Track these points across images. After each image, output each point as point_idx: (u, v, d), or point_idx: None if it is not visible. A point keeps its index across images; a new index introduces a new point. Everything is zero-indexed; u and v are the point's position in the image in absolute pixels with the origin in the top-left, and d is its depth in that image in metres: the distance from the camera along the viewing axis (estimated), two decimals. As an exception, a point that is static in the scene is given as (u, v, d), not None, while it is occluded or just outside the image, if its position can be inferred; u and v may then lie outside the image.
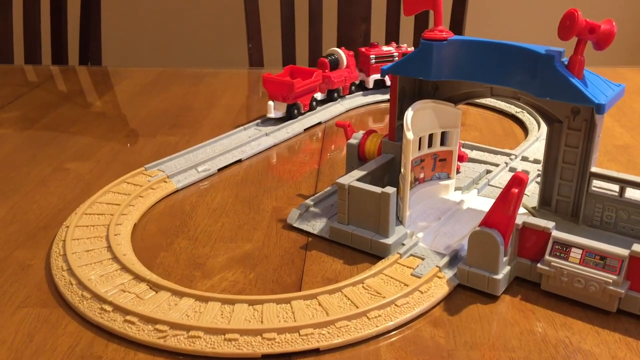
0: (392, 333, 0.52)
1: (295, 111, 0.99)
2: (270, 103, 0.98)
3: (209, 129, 0.98)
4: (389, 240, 0.62)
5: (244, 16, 1.48)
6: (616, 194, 0.62)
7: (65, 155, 0.89)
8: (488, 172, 0.79)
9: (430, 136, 0.68)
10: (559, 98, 0.58)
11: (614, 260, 0.53)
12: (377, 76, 1.12)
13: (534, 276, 0.57)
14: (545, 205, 0.66)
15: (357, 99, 1.11)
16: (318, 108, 1.04)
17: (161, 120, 1.03)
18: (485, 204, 0.70)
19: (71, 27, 1.56)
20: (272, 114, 0.98)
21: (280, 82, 0.98)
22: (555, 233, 0.55)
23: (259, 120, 0.99)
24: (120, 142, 0.93)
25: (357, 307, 0.54)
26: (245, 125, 0.96)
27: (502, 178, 0.78)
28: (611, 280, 0.52)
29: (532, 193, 0.71)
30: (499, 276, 0.55)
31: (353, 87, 1.12)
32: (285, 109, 0.99)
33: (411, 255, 0.61)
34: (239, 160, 0.86)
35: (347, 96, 1.11)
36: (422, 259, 0.61)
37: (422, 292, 0.56)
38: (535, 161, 0.82)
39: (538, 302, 0.56)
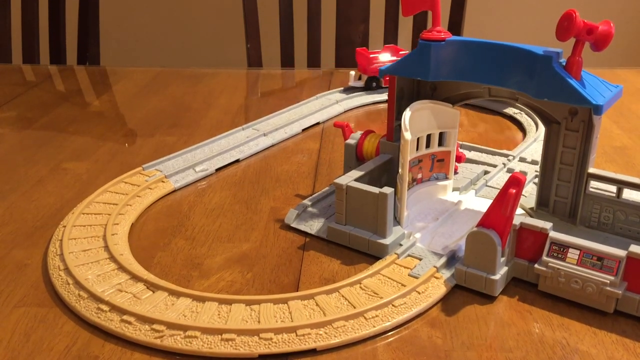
0: (390, 333, 0.52)
1: (374, 84, 1.10)
2: (352, 73, 1.08)
3: (207, 129, 0.98)
4: (386, 241, 0.62)
5: (243, 16, 1.48)
6: (614, 195, 0.62)
7: (62, 155, 0.88)
8: (486, 172, 0.79)
9: (428, 137, 0.68)
10: (557, 99, 0.58)
11: (611, 261, 0.53)
12: None
13: (531, 277, 0.57)
14: (542, 206, 0.66)
15: (356, 99, 1.10)
16: (316, 107, 1.04)
17: (159, 120, 1.03)
18: (483, 204, 0.70)
19: (69, 27, 1.56)
20: (351, 82, 1.11)
21: (363, 55, 1.09)
22: (553, 234, 0.55)
23: (341, 88, 1.12)
24: (118, 142, 0.93)
25: (354, 308, 0.54)
26: (323, 93, 1.09)
27: (500, 179, 0.78)
28: (608, 281, 0.52)
29: (529, 194, 0.71)
30: (497, 277, 0.55)
31: None
32: (365, 80, 1.10)
33: (409, 255, 0.61)
34: (237, 161, 0.86)
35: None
36: (420, 259, 0.61)
37: (419, 293, 0.56)
38: (533, 162, 0.82)
39: (535, 302, 0.56)
